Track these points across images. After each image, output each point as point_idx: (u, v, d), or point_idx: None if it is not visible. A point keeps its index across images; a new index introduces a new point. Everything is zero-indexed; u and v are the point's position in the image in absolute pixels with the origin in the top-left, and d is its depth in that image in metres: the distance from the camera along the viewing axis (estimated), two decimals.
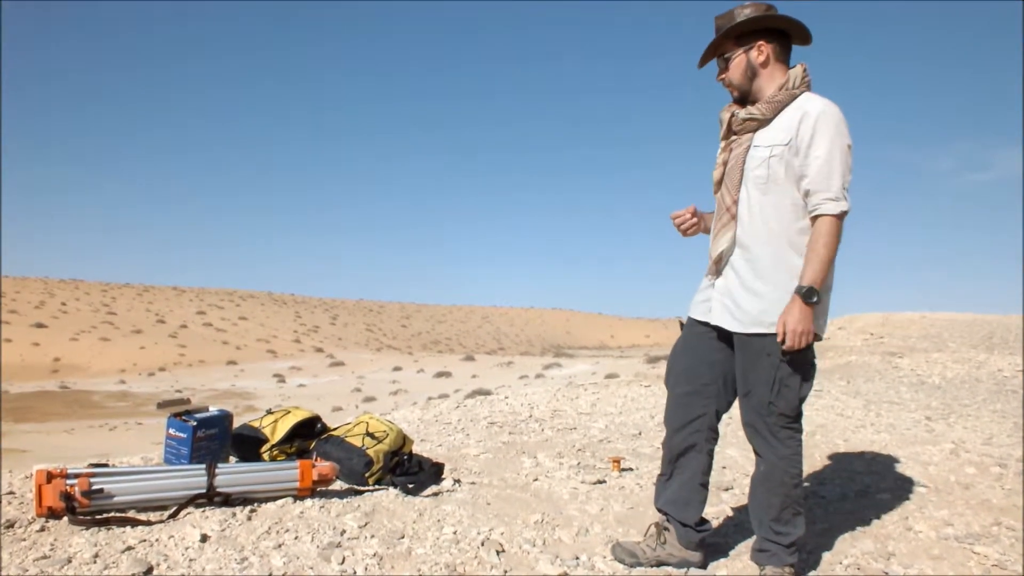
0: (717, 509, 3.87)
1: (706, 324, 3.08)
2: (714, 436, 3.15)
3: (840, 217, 2.76)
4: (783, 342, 2.75)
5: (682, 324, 3.27)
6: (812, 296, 2.72)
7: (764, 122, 2.90)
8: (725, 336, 3.04)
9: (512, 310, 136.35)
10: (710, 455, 3.15)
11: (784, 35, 2.95)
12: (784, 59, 2.95)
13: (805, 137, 2.79)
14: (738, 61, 2.94)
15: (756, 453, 3.00)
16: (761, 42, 2.91)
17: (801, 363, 2.85)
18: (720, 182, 3.02)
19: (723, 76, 3.00)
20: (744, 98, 2.98)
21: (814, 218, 2.79)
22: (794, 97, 2.88)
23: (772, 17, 2.90)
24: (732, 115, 2.98)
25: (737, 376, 3.02)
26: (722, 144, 3.06)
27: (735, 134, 2.99)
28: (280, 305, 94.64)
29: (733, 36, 2.92)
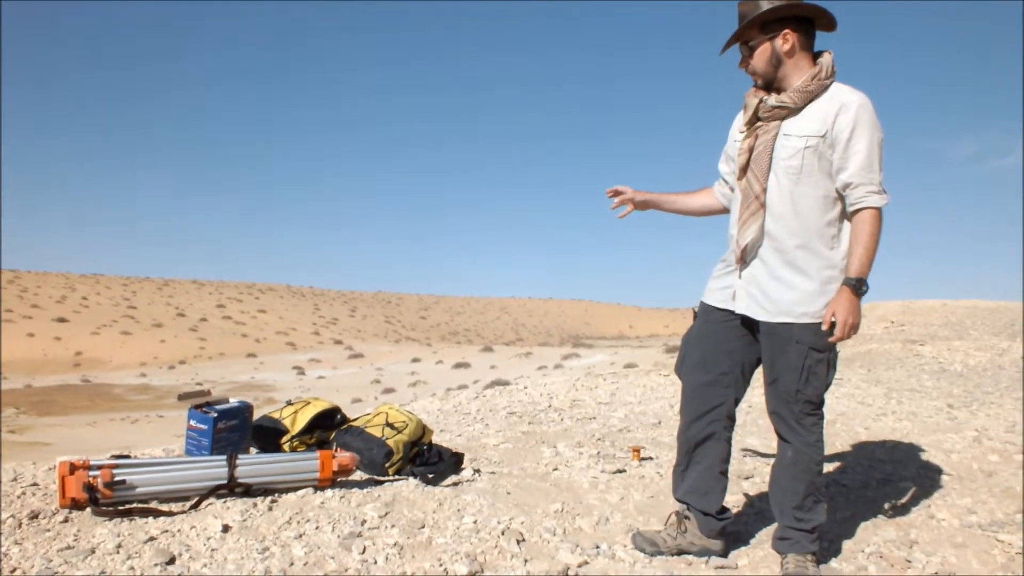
0: (737, 497, 3.85)
1: (724, 311, 3.06)
2: (731, 424, 3.13)
3: (882, 209, 2.77)
4: (830, 332, 2.75)
5: (695, 312, 3.25)
6: (862, 287, 2.74)
7: (794, 111, 2.87)
8: (746, 323, 3.02)
9: (530, 301, 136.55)
10: (728, 443, 3.14)
11: (808, 22, 2.89)
12: (809, 47, 2.90)
13: (845, 130, 2.76)
14: (763, 49, 2.88)
15: (783, 440, 2.98)
16: (787, 30, 2.85)
17: (828, 351, 2.85)
18: (745, 168, 2.97)
19: (746, 64, 2.95)
20: (768, 85, 2.94)
21: (857, 211, 2.78)
22: (825, 87, 2.84)
23: (799, 5, 2.84)
24: (761, 101, 2.93)
25: (764, 364, 3.00)
26: (745, 129, 3.01)
27: (760, 120, 2.95)
28: (299, 298, 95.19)
29: (758, 24, 2.86)
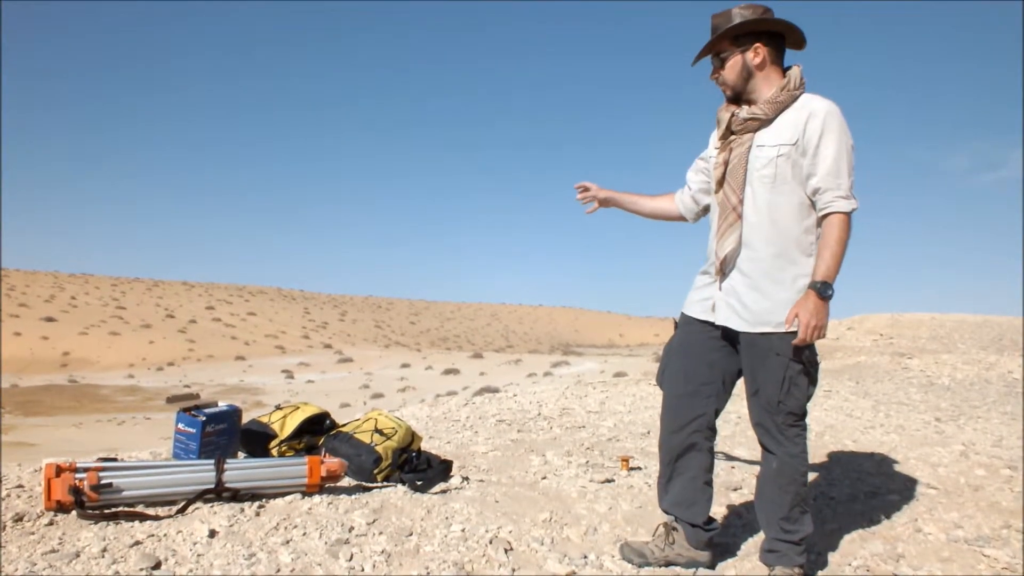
0: (725, 509, 3.86)
1: (705, 323, 3.07)
2: (713, 435, 3.15)
3: (850, 214, 2.80)
4: (795, 334, 2.76)
5: (676, 323, 3.26)
6: (827, 290, 2.75)
7: (766, 122, 2.91)
8: (727, 335, 3.03)
9: (521, 308, 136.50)
10: (711, 452, 3.15)
11: (780, 38, 2.96)
12: (779, 61, 2.97)
13: (813, 137, 2.81)
14: (734, 61, 2.94)
15: (767, 451, 2.99)
16: (758, 44, 2.91)
17: (809, 362, 2.86)
18: (721, 181, 3.01)
19: (717, 75, 3.00)
20: (738, 98, 2.98)
21: (825, 216, 2.82)
22: (795, 98, 2.89)
23: (769, 20, 2.91)
24: (732, 115, 2.98)
25: (744, 375, 3.02)
26: (719, 144, 3.06)
27: (734, 134, 2.99)
28: (289, 301, 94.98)
29: (730, 36, 2.92)
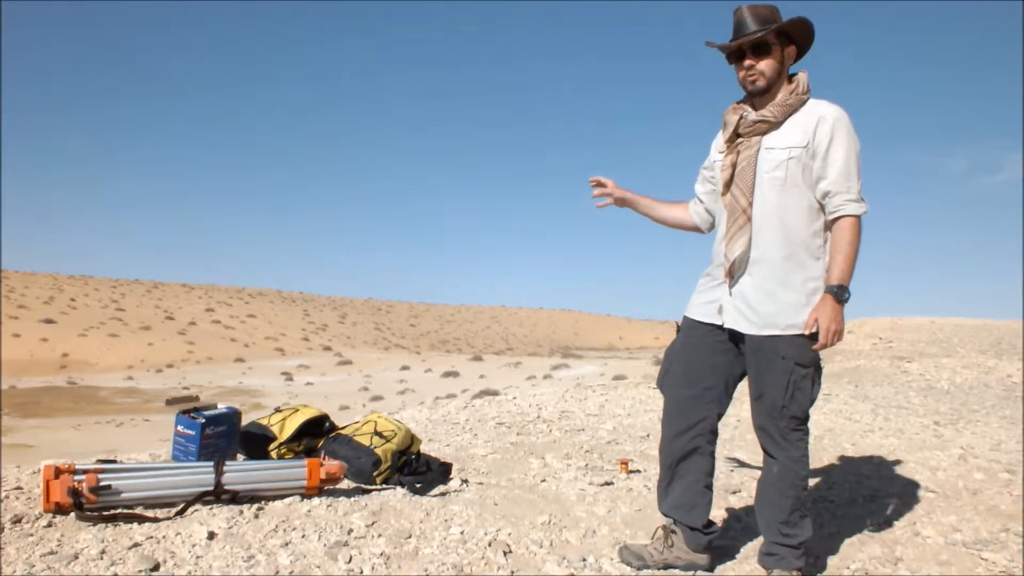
0: (724, 512, 3.86)
1: (710, 326, 3.07)
2: (714, 438, 3.14)
3: (861, 218, 2.82)
4: (813, 338, 2.78)
5: (678, 326, 3.26)
6: (844, 294, 2.77)
7: (775, 125, 2.91)
8: (731, 338, 3.03)
9: (520, 311, 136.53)
10: (712, 456, 3.14)
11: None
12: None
13: (824, 141, 2.82)
14: (776, 55, 2.92)
15: (768, 455, 2.99)
16: (791, 46, 2.95)
17: (813, 366, 2.86)
18: (729, 184, 3.00)
19: (755, 63, 2.91)
20: (760, 93, 2.94)
21: (836, 219, 2.83)
22: (803, 102, 2.91)
23: (810, 27, 2.93)
24: (741, 117, 2.97)
25: (749, 379, 3.01)
26: (725, 146, 3.05)
27: (740, 136, 2.99)
28: (289, 303, 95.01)
29: (777, 31, 2.90)
